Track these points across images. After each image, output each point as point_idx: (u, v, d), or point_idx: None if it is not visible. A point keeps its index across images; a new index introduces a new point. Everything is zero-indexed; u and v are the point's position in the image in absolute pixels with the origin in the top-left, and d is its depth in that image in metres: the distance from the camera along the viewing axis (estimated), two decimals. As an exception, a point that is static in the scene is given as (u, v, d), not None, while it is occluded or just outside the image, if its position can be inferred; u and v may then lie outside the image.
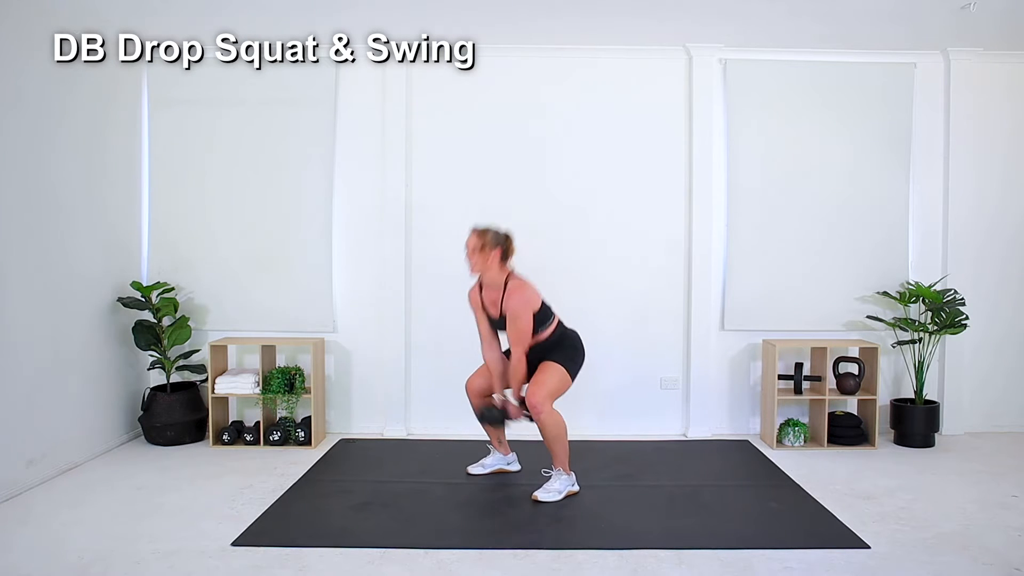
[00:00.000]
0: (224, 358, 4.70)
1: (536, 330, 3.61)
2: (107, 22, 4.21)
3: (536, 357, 3.66)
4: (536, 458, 3.96)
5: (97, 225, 4.34)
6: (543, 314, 3.63)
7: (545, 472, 3.69)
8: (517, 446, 4.08)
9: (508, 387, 3.72)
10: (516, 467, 4.01)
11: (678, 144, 4.80)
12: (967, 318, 4.51)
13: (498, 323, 3.69)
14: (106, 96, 4.42)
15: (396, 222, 4.75)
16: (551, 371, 3.58)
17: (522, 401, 3.63)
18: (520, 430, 4.01)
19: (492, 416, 3.68)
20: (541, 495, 3.55)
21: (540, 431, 3.55)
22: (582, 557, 2.93)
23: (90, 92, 4.26)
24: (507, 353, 3.71)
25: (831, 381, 4.66)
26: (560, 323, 3.73)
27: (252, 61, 4.75)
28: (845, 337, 4.81)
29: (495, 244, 3.59)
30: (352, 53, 4.73)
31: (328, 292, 4.80)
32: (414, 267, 4.81)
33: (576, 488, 3.66)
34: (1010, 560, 2.91)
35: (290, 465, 4.11)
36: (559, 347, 3.68)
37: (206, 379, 4.66)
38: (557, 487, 3.58)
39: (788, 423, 4.56)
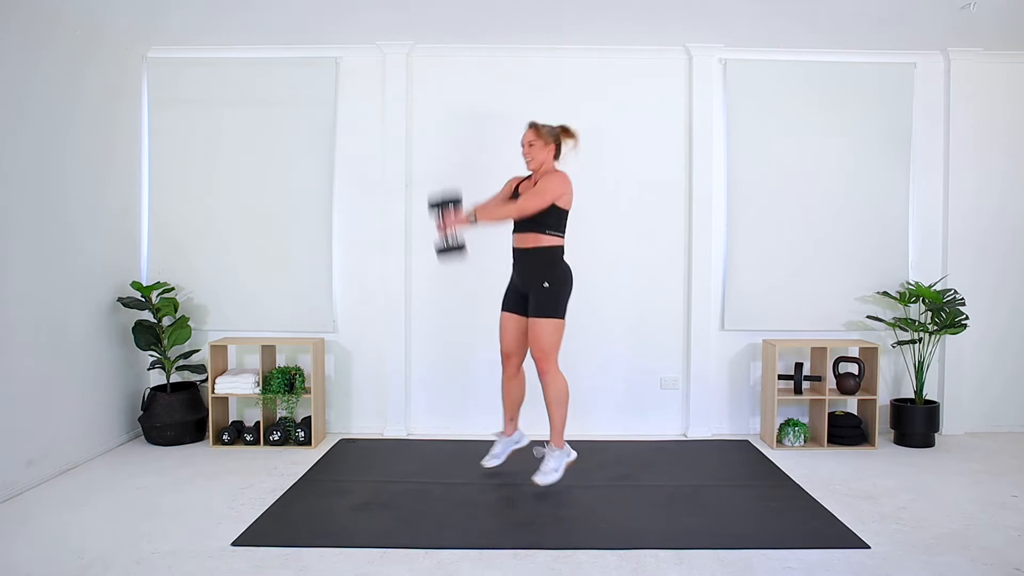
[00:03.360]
0: (224, 358, 4.70)
1: (548, 226, 3.59)
2: (110, 22, 4.22)
3: (524, 284, 3.66)
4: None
5: (98, 225, 4.34)
6: (563, 218, 3.63)
7: (537, 452, 3.69)
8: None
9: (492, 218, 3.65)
10: (526, 440, 4.01)
11: (678, 144, 4.80)
12: (967, 318, 4.51)
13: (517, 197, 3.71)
14: (108, 97, 4.42)
15: (396, 222, 4.75)
16: (541, 330, 3.56)
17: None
18: (529, 431, 4.04)
19: (439, 199, 3.53)
20: (540, 479, 3.57)
21: (543, 393, 3.59)
22: (582, 557, 2.93)
23: (92, 93, 4.26)
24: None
25: (831, 381, 4.67)
26: (563, 250, 3.67)
27: (253, 60, 4.80)
28: (845, 337, 4.81)
29: (551, 138, 3.67)
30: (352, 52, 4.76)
31: (328, 292, 4.80)
32: (414, 267, 4.81)
33: (573, 455, 3.68)
34: (1010, 560, 2.91)
35: (290, 465, 4.11)
36: (550, 287, 3.58)
37: (206, 379, 4.66)
38: (553, 466, 3.60)
39: (788, 423, 4.56)
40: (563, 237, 3.68)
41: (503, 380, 3.88)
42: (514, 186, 3.84)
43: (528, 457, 3.99)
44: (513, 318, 3.78)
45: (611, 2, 4.00)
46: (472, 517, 3.36)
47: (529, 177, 3.79)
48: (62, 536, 3.12)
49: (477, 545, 3.03)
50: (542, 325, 3.58)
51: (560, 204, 3.61)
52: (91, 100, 4.26)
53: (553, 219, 3.61)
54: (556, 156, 3.74)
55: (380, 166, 4.77)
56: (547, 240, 3.62)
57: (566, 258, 3.69)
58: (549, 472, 3.58)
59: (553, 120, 4.86)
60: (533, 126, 3.71)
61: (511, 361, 3.83)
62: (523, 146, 3.71)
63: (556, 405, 3.60)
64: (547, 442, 3.69)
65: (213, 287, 4.81)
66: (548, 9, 4.10)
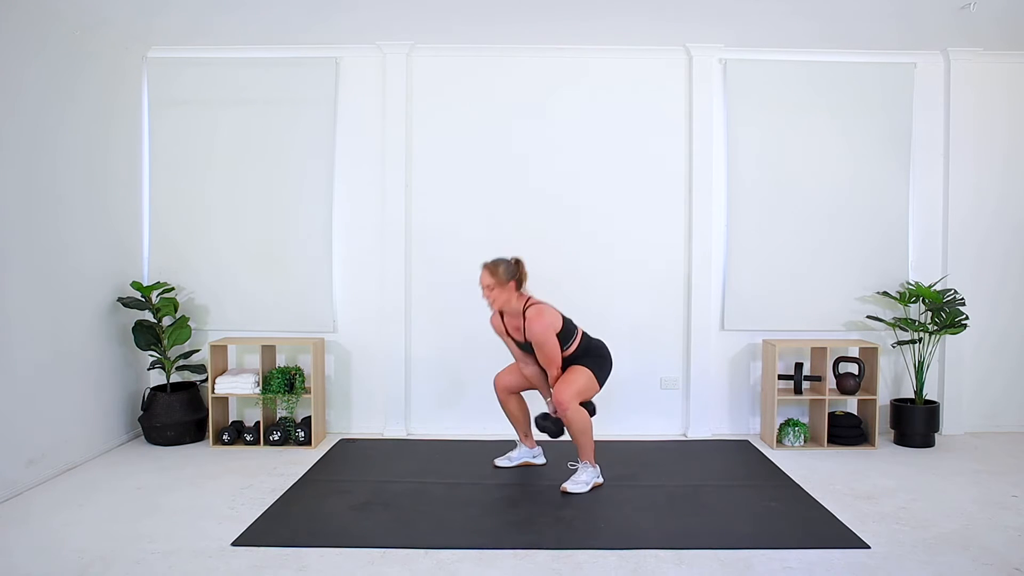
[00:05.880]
0: (224, 358, 4.69)
1: (562, 347, 3.69)
2: (110, 21, 4.22)
3: (564, 366, 3.76)
4: (558, 456, 4.06)
5: (98, 225, 4.34)
6: (566, 331, 3.71)
7: (571, 465, 3.79)
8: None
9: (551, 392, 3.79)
10: (541, 460, 4.10)
11: (678, 144, 4.80)
12: (967, 318, 4.51)
13: (526, 346, 3.77)
14: (107, 96, 4.42)
15: (396, 222, 4.75)
16: (578, 372, 3.68)
17: None
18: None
19: (549, 427, 3.78)
20: (570, 487, 3.65)
21: (567, 427, 3.66)
22: (582, 557, 2.93)
23: (91, 93, 4.26)
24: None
25: (831, 381, 4.66)
26: (584, 335, 3.80)
27: (253, 60, 4.80)
28: (845, 337, 4.81)
29: (509, 277, 3.66)
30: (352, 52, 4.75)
31: (328, 292, 4.80)
32: (414, 267, 4.81)
33: (601, 480, 3.76)
34: (1010, 560, 2.90)
35: (290, 465, 4.11)
36: (585, 356, 3.76)
37: (206, 379, 4.66)
38: (584, 479, 3.68)
39: (788, 423, 4.56)
40: (579, 330, 3.77)
41: (500, 402, 3.97)
42: (505, 332, 3.83)
43: (550, 457, 4.09)
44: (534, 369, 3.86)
45: (611, 2, 4.00)
46: (472, 517, 3.36)
47: (501, 312, 3.77)
48: (62, 536, 3.11)
49: (477, 545, 3.03)
50: (584, 373, 3.68)
51: (558, 331, 3.66)
52: (91, 100, 4.26)
53: (562, 340, 3.68)
54: (519, 287, 3.71)
55: (380, 166, 4.77)
56: (573, 347, 3.73)
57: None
58: (580, 483, 3.67)
59: (555, 118, 4.88)
60: (487, 268, 3.67)
61: (502, 391, 3.95)
62: (482, 288, 3.68)
63: (582, 434, 3.67)
64: (580, 460, 3.76)
65: (213, 287, 4.80)
66: (548, 9, 4.10)
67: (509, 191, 4.77)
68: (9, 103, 3.66)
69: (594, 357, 3.77)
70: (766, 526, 3.27)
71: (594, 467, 3.72)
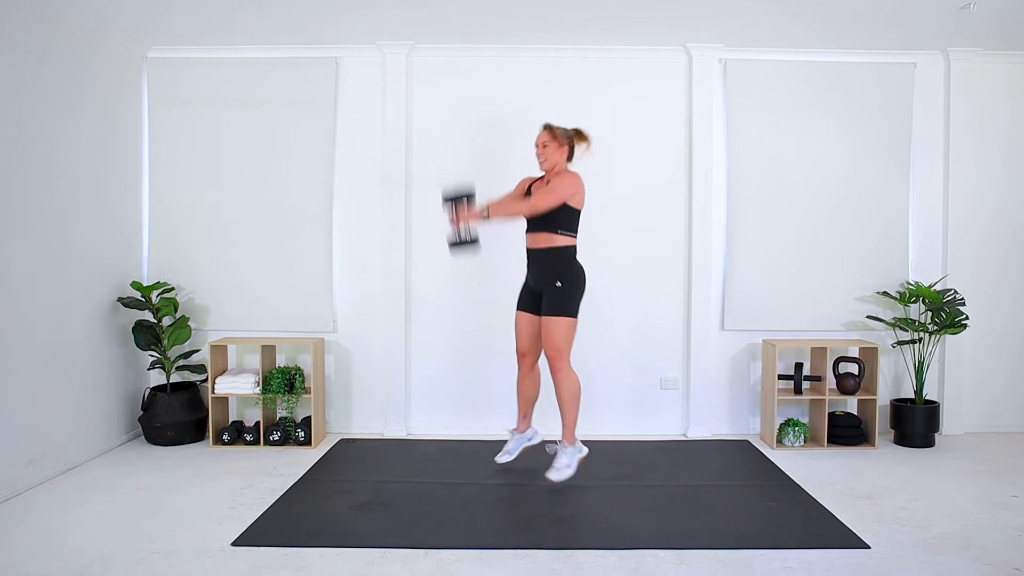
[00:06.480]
0: (224, 358, 4.70)
1: (561, 225, 3.65)
2: (111, 22, 4.22)
3: (538, 283, 3.71)
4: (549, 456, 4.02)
5: (98, 225, 4.34)
6: (575, 217, 3.69)
7: (549, 449, 3.75)
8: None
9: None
10: (539, 439, 4.06)
11: (678, 144, 4.80)
12: (967, 318, 4.51)
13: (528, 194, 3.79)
14: (110, 97, 4.43)
15: (396, 222, 4.75)
16: (554, 328, 3.61)
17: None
18: (543, 430, 4.05)
19: (452, 194, 3.64)
20: (553, 475, 3.62)
21: (556, 391, 3.64)
22: (582, 557, 2.93)
23: (94, 93, 4.27)
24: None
25: (831, 381, 4.67)
26: (575, 249, 3.75)
27: (253, 60, 4.80)
28: (845, 337, 4.81)
29: (564, 140, 3.74)
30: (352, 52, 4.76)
31: (328, 292, 4.80)
32: (414, 267, 4.81)
33: (585, 451, 3.74)
34: (1010, 560, 2.91)
35: (290, 465, 4.11)
36: (569, 274, 3.68)
37: (206, 379, 4.66)
38: (565, 462, 3.66)
39: (788, 423, 4.56)
40: (575, 237, 3.74)
41: (518, 378, 3.93)
42: (527, 186, 3.90)
43: (534, 458, 4.01)
44: (527, 317, 3.84)
45: (611, 2, 4.00)
46: (472, 517, 3.36)
47: (542, 178, 3.85)
48: (62, 536, 3.12)
49: (477, 545, 3.03)
50: (555, 323, 3.63)
51: (572, 203, 3.67)
52: (91, 100, 4.26)
53: (565, 218, 3.66)
54: (569, 158, 3.80)
55: (380, 166, 4.77)
56: (560, 240, 3.68)
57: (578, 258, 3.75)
58: (563, 468, 3.64)
59: (555, 119, 4.88)
60: (548, 128, 3.77)
61: (526, 359, 3.88)
62: (537, 147, 3.77)
63: (568, 403, 3.65)
64: (559, 440, 3.72)
65: (213, 287, 4.81)
66: (548, 9, 4.10)
67: (509, 190, 4.76)
68: (12, 104, 3.67)
69: (567, 290, 3.67)
70: (766, 526, 3.27)
71: (574, 445, 3.69)
